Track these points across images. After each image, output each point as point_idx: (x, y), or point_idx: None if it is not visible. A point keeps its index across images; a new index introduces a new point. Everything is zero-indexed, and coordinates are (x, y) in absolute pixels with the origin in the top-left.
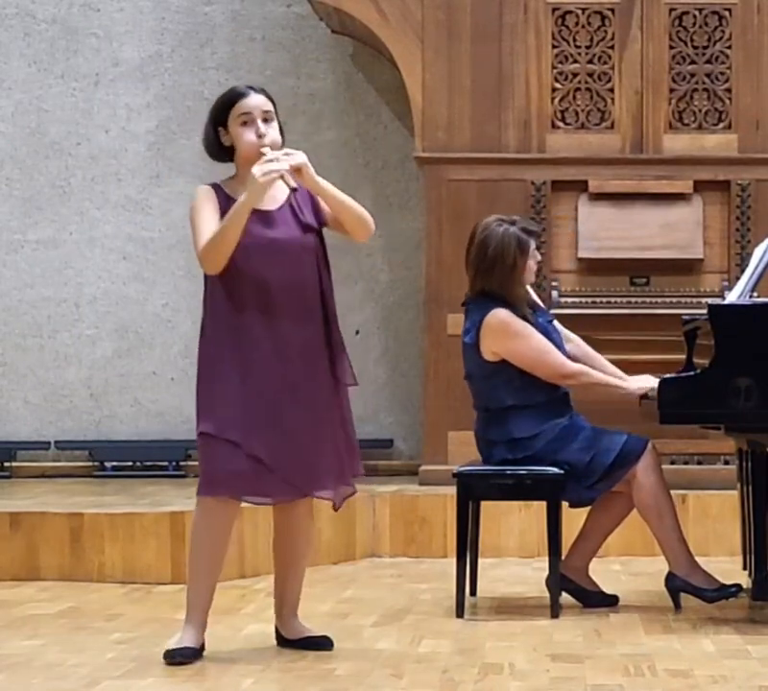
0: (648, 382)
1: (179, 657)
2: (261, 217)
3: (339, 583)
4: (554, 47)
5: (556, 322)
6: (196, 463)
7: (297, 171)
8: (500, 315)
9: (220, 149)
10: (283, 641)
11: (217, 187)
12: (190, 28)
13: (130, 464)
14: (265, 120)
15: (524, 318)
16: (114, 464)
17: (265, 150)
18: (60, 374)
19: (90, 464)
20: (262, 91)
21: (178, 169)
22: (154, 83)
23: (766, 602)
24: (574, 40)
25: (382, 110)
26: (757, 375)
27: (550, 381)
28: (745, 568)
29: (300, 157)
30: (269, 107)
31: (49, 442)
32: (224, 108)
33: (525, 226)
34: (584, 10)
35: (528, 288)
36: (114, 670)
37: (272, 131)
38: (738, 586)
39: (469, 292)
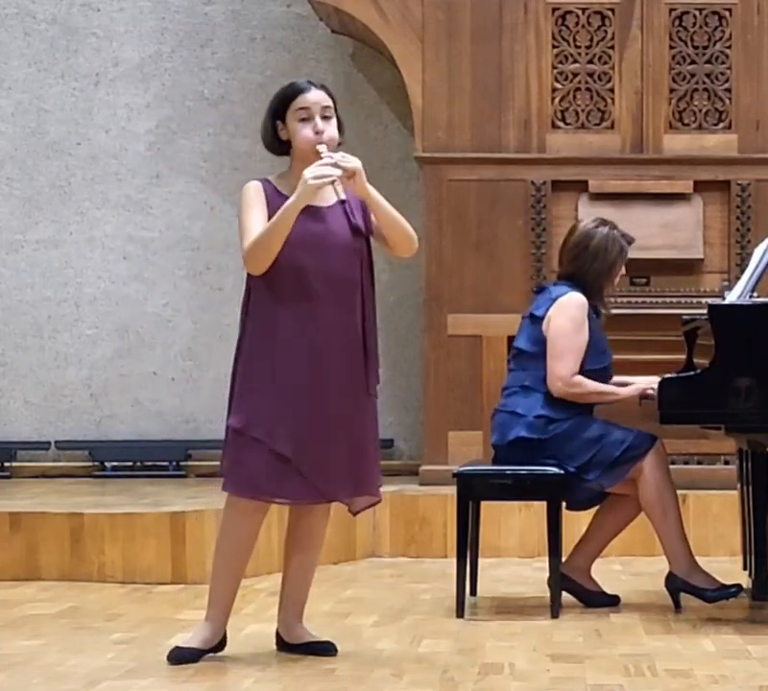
0: (643, 384)
1: (174, 660)
2: (312, 212)
3: (339, 583)
4: (554, 47)
5: None
6: (197, 463)
7: (350, 176)
8: (577, 297)
9: (277, 142)
10: (284, 646)
11: (266, 182)
12: (190, 28)
13: (130, 464)
14: (324, 117)
15: (596, 311)
16: (114, 464)
17: (321, 147)
18: (60, 374)
19: (90, 464)
20: (322, 87)
21: (178, 169)
22: (154, 83)
23: (766, 602)
24: (574, 40)
25: (382, 110)
26: (757, 375)
27: (548, 376)
28: (745, 568)
29: (355, 162)
30: (328, 103)
31: (49, 442)
32: (283, 102)
33: (624, 233)
34: (584, 10)
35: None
36: (114, 670)
37: (330, 129)
38: (738, 587)
39: (556, 279)
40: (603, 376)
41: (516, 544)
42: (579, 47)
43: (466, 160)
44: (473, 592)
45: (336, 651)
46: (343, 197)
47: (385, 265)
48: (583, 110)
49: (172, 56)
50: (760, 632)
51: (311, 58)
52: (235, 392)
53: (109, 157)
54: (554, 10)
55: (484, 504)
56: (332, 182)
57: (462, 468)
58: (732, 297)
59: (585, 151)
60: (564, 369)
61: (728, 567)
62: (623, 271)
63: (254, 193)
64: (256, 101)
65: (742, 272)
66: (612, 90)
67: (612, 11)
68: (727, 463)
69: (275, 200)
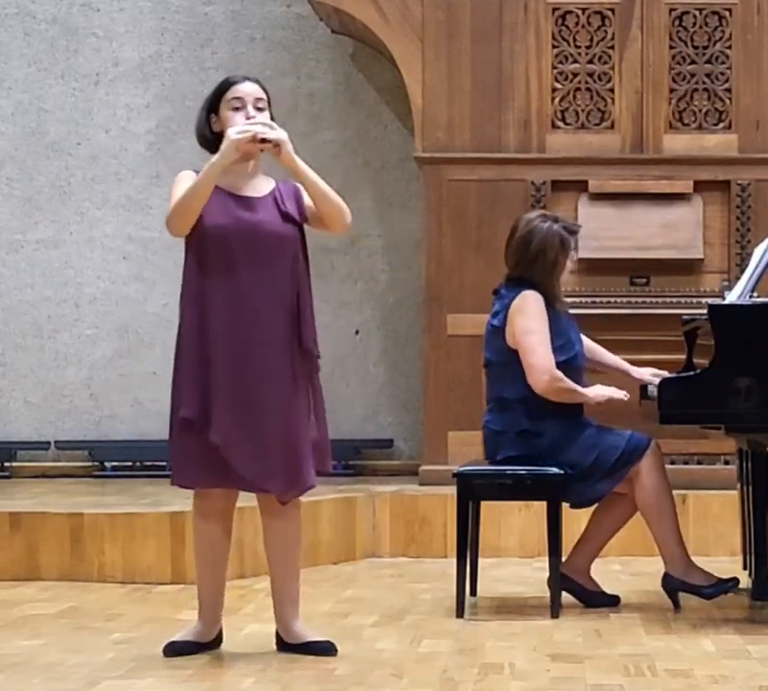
0: (607, 391)
1: (169, 653)
2: (243, 202)
3: (339, 583)
4: (554, 47)
5: None
6: None
7: (275, 147)
8: (528, 295)
9: (209, 134)
10: (284, 646)
11: (198, 173)
12: (190, 28)
13: (130, 464)
14: (258, 108)
15: (554, 309)
16: (114, 464)
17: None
18: (60, 374)
19: (90, 464)
20: (257, 81)
21: (178, 169)
22: (154, 83)
23: (766, 602)
24: (574, 40)
25: (382, 110)
26: (757, 375)
27: (529, 374)
28: (745, 568)
29: (280, 133)
30: (262, 95)
31: (49, 442)
32: (217, 94)
33: (566, 224)
34: (584, 10)
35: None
36: (114, 670)
37: (262, 117)
38: (735, 580)
39: (505, 280)
40: (572, 368)
41: (515, 544)
42: (579, 47)
43: (466, 160)
44: (473, 592)
45: (336, 651)
46: (269, 137)
47: (385, 265)
48: (583, 110)
49: (172, 56)
50: (760, 632)
51: (311, 58)
52: (174, 378)
53: (109, 157)
54: (554, 10)
55: (484, 504)
56: (254, 137)
57: (462, 468)
58: (731, 297)
59: (585, 151)
60: (542, 362)
61: (728, 567)
62: (574, 258)
63: (187, 179)
64: None
65: (742, 272)
66: (612, 90)
67: (612, 11)
68: (727, 463)
69: None
